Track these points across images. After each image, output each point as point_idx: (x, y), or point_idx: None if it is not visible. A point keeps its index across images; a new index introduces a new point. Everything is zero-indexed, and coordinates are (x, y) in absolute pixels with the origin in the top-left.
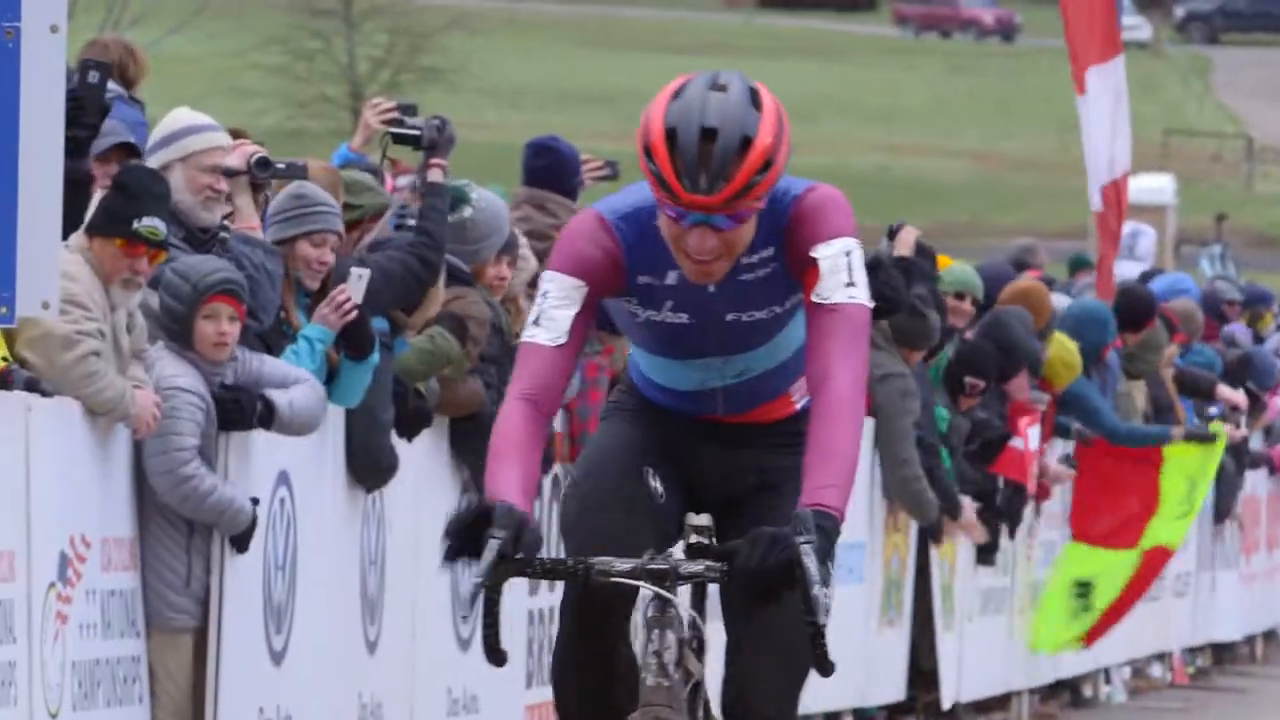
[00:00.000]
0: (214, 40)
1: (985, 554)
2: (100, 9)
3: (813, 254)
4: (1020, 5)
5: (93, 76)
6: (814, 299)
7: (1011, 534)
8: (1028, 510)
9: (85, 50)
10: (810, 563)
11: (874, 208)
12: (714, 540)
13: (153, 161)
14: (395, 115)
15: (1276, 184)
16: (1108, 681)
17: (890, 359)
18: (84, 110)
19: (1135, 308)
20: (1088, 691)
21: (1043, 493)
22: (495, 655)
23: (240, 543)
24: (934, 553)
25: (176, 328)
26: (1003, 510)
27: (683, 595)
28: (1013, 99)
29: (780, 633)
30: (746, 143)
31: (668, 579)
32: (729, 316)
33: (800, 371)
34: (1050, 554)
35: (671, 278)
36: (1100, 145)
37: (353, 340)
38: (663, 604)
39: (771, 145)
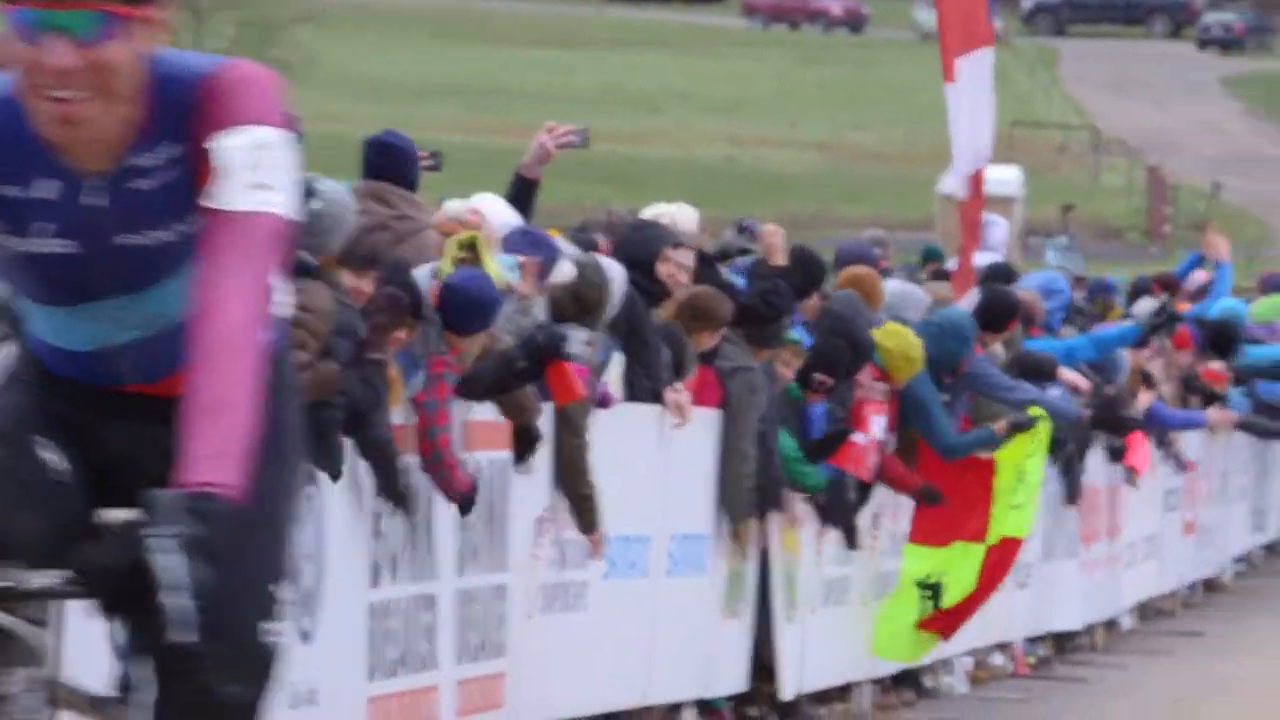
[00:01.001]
0: None
1: (848, 539)
2: None
3: (210, 144)
4: None
5: None
6: (209, 203)
7: (850, 527)
8: (874, 502)
9: None
10: (165, 561)
11: (721, 199)
12: None
13: None
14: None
15: (1122, 176)
16: (949, 672)
17: (740, 353)
18: None
19: (997, 309)
20: (929, 682)
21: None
22: None
23: None
24: (776, 544)
25: None
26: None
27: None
28: (860, 90)
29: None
30: None
31: (5, 599)
32: (119, 239)
33: None
34: (896, 545)
35: (43, 188)
36: (966, 135)
37: None
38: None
39: None
